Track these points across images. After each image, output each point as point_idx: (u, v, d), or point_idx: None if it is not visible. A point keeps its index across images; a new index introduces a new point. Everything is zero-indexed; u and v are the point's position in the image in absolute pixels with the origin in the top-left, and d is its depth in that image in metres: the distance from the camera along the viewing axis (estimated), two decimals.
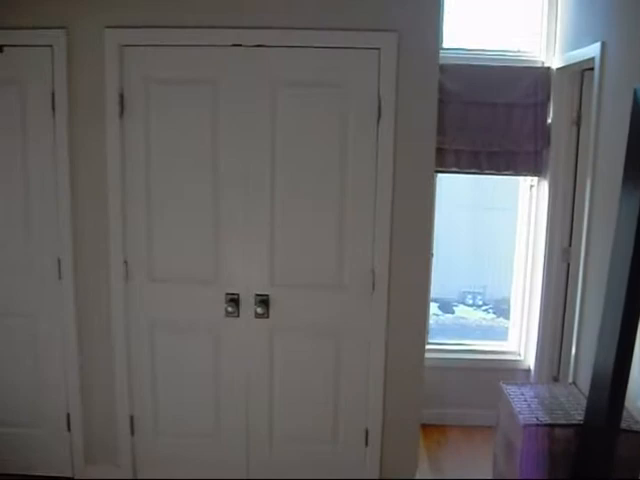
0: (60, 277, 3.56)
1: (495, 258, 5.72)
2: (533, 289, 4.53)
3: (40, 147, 3.47)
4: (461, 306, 6.23)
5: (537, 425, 3.14)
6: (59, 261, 3.55)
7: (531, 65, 4.28)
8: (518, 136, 4.25)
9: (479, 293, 6.29)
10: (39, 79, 3.41)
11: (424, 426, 3.73)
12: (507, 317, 5.07)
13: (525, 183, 4.57)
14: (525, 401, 3.38)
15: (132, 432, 3.68)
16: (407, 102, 3.31)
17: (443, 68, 3.39)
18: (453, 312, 6.15)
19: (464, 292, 6.27)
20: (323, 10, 3.29)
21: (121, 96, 3.38)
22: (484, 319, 6.15)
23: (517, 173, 4.38)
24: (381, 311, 3.46)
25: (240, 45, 3.31)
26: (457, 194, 5.06)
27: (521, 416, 3.21)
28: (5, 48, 3.40)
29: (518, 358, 4.66)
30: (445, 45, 3.41)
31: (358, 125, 3.34)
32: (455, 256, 5.42)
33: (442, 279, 3.52)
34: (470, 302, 6.27)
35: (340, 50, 3.30)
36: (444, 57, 3.40)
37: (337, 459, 3.66)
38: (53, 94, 3.41)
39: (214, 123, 3.39)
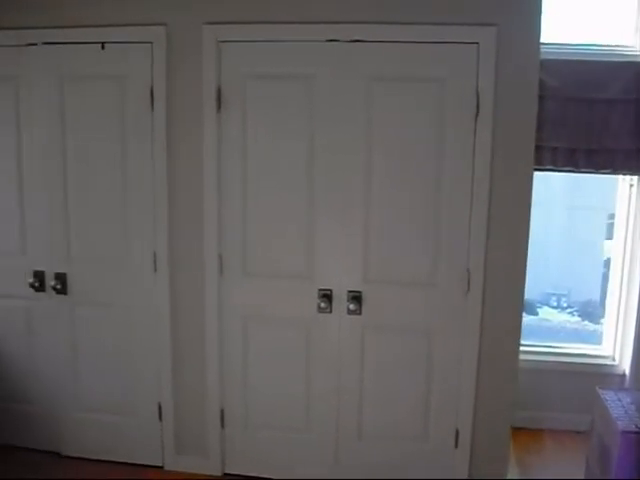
0: (156, 270, 3.63)
1: (582, 259, 5.56)
2: (630, 291, 4.37)
3: (138, 142, 3.54)
4: (545, 308, 6.08)
5: (636, 432, 3.06)
6: (155, 254, 3.61)
7: (632, 60, 4.12)
8: (618, 133, 4.09)
9: (563, 295, 6.13)
10: (138, 75, 3.48)
11: (512, 429, 3.65)
12: (593, 320, 4.92)
13: (624, 182, 4.41)
14: (622, 407, 3.30)
15: (222, 425, 3.73)
16: (506, 98, 3.24)
17: (541, 63, 3.31)
18: (537, 314, 6.02)
19: (548, 294, 6.13)
20: (420, 4, 3.25)
21: (218, 92, 3.42)
22: (568, 322, 5.99)
23: (616, 172, 4.22)
24: (475, 311, 3.40)
25: (336, 40, 3.30)
26: (548, 192, 4.92)
27: (619, 422, 3.13)
28: (106, 45, 3.48)
29: (613, 363, 4.50)
30: (543, 40, 3.33)
31: (455, 121, 3.29)
32: (542, 257, 5.28)
33: (527, 280, 3.45)
34: (554, 304, 6.12)
35: (438, 45, 3.25)
36: (542, 52, 3.32)
37: (426, 459, 3.62)
38: (152, 90, 3.47)
39: (309, 118, 3.39)
